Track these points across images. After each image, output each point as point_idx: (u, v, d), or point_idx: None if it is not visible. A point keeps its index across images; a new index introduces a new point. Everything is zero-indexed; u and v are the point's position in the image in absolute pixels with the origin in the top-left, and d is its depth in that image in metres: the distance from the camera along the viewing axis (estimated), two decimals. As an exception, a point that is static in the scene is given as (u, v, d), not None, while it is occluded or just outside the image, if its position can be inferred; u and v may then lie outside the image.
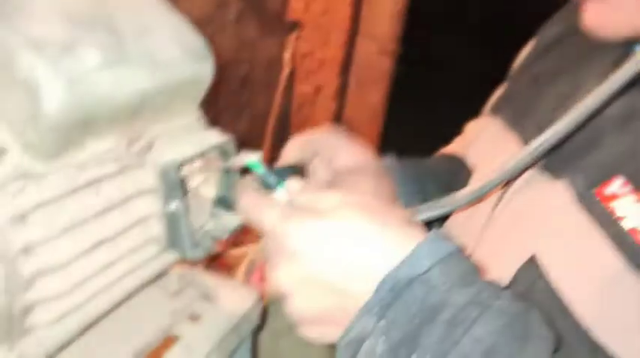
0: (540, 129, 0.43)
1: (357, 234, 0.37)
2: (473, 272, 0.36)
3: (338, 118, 2.60)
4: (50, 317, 0.39)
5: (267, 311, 0.63)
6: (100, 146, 0.43)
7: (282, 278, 0.38)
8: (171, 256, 0.51)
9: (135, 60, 0.42)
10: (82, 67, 0.38)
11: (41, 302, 0.38)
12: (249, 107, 2.65)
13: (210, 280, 0.62)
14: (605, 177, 0.42)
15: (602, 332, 0.39)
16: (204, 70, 0.49)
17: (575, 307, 0.40)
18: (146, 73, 0.43)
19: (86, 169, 0.42)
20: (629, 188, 0.41)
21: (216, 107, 0.53)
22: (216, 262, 1.90)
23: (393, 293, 0.34)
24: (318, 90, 3.23)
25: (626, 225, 0.40)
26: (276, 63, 3.08)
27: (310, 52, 3.25)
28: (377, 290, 0.35)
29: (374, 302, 0.35)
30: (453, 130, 0.81)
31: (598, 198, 0.42)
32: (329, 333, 0.39)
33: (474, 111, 0.78)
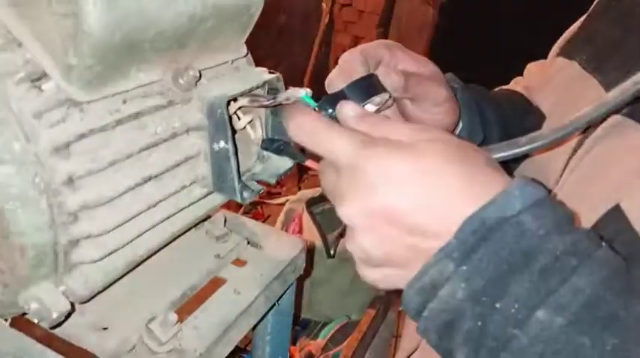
0: (625, 73, 0.38)
1: (441, 173, 0.33)
2: (568, 219, 0.32)
3: (377, 70, 2.52)
4: (96, 253, 0.37)
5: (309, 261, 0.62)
6: (145, 77, 0.40)
7: (353, 213, 0.34)
8: (217, 199, 0.48)
9: (182, -19, 0.38)
10: (126, -17, 0.34)
11: (87, 237, 0.36)
12: (286, 57, 2.58)
13: (255, 227, 0.60)
14: None
15: None
16: (254, -2, 0.45)
17: None
18: (194, -5, 0.39)
19: (131, 101, 0.39)
20: None
21: (253, 57, 0.50)
22: (252, 213, 1.91)
23: (476, 236, 0.31)
24: (356, 41, 3.13)
25: None
26: (314, 13, 2.99)
27: (349, 2, 3.14)
28: (458, 233, 0.31)
29: (454, 245, 0.31)
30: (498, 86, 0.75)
31: None
32: (393, 277, 0.35)
33: (519, 68, 0.73)
